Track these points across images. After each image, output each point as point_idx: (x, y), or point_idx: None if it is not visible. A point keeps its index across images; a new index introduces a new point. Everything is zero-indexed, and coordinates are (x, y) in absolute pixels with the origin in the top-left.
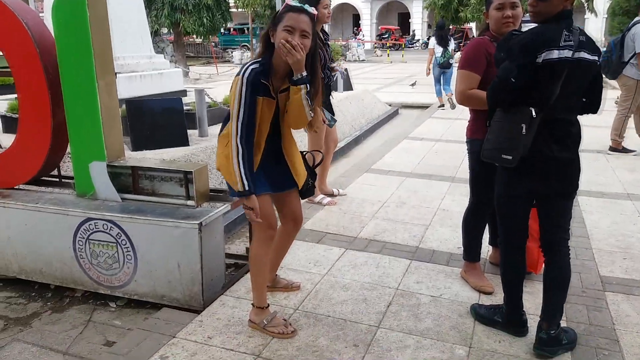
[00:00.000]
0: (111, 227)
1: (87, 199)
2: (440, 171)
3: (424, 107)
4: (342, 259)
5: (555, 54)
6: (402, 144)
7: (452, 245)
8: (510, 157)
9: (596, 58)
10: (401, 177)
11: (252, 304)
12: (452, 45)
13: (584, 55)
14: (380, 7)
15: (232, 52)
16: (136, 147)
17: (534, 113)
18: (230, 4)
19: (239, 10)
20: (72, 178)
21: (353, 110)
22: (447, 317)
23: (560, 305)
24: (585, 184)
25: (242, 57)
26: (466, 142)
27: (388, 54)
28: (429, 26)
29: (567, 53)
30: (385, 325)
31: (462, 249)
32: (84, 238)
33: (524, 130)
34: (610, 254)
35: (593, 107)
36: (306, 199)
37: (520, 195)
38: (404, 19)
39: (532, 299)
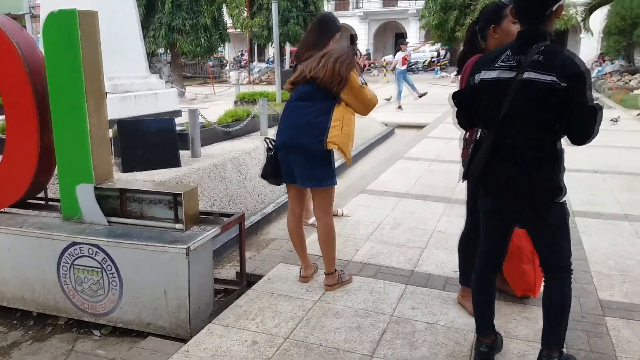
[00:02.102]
0: (96, 252)
1: (73, 222)
2: (436, 192)
3: (419, 126)
4: None
5: (484, 74)
6: (398, 164)
7: (448, 269)
8: (463, 171)
9: (551, 78)
10: (396, 198)
11: (330, 272)
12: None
13: (531, 75)
14: (377, 27)
15: (229, 72)
16: (126, 168)
17: (479, 134)
18: (228, 25)
19: (237, 30)
20: (59, 201)
21: None
22: (443, 345)
23: (559, 331)
24: (581, 204)
25: (238, 77)
26: (462, 163)
27: (385, 74)
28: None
29: (504, 74)
30: (379, 354)
31: (459, 272)
32: (68, 263)
33: (472, 149)
34: (609, 277)
35: (571, 135)
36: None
37: (487, 211)
38: (401, 39)
39: (531, 324)
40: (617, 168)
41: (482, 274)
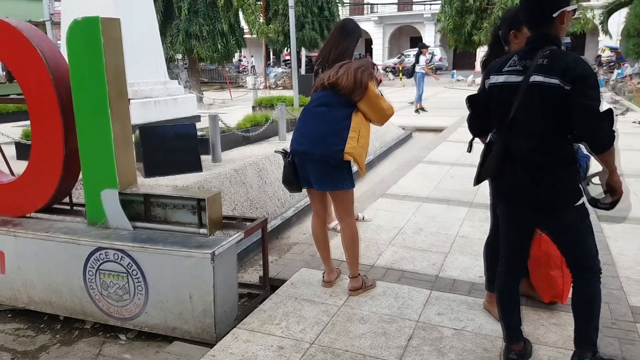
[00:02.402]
0: (122, 256)
1: (99, 227)
2: (458, 196)
3: (438, 130)
4: None
5: (493, 79)
6: (417, 168)
7: (473, 275)
8: (475, 175)
9: (555, 81)
10: (417, 202)
11: (354, 275)
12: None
13: (537, 78)
14: (392, 32)
15: (245, 78)
16: (148, 173)
17: (489, 137)
18: (245, 30)
19: (253, 36)
20: (83, 206)
21: None
22: (471, 352)
23: (589, 333)
24: None
25: (255, 83)
26: None
27: (400, 78)
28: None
29: (511, 78)
30: None
31: (484, 278)
32: (94, 268)
33: (483, 153)
34: (639, 282)
35: (585, 140)
36: None
37: (503, 216)
38: (416, 43)
39: (560, 331)
40: None
41: (505, 280)
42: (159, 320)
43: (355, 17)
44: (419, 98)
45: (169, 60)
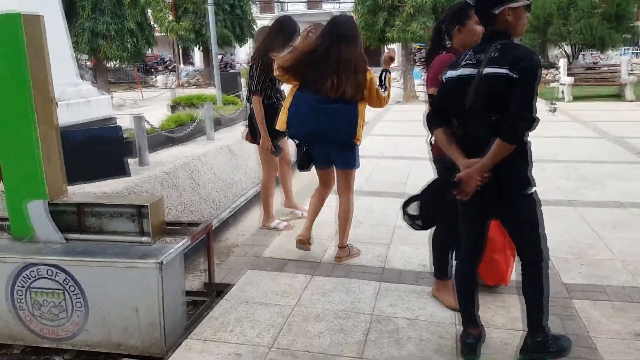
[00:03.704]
0: (57, 272)
1: (26, 242)
2: (389, 188)
3: None
4: (309, 286)
5: (449, 73)
6: None
7: (416, 264)
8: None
9: (505, 71)
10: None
11: (342, 246)
12: None
13: (488, 70)
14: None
15: (155, 77)
16: (71, 180)
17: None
18: (155, 28)
19: (163, 34)
20: (6, 219)
21: None
22: (428, 341)
23: (539, 319)
24: None
25: (166, 82)
26: (435, 160)
27: None
28: None
29: (466, 71)
30: (368, 355)
31: (433, 266)
32: (23, 287)
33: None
34: (566, 260)
35: (506, 124)
36: (261, 227)
37: (465, 205)
38: None
39: (506, 313)
40: (554, 157)
41: (463, 266)
42: (101, 337)
43: (266, 15)
44: None
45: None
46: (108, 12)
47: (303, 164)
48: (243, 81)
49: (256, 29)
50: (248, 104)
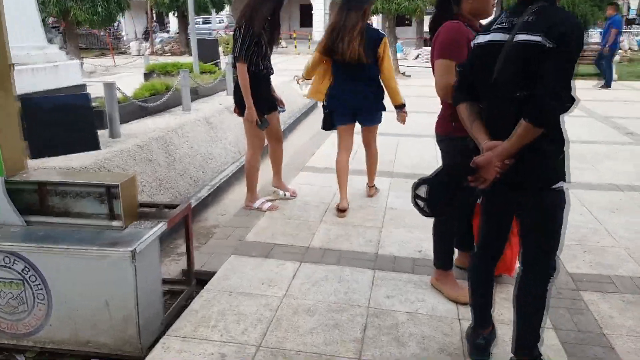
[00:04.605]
0: (15, 260)
1: None
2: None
3: None
4: (298, 275)
5: (480, 38)
6: (331, 139)
7: (412, 249)
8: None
9: (538, 38)
10: None
11: (372, 185)
12: None
13: (521, 37)
14: None
15: (128, 43)
16: (35, 153)
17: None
18: None
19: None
20: None
21: None
22: (431, 338)
23: (525, 333)
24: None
25: (139, 48)
26: (439, 139)
27: (295, 45)
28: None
29: (497, 36)
30: (367, 355)
31: (434, 255)
32: None
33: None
34: (569, 247)
35: (535, 104)
36: (244, 207)
37: (487, 194)
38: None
39: (510, 305)
40: None
41: (481, 263)
42: (67, 334)
43: None
44: None
45: (42, 23)
46: None
47: (326, 126)
48: (220, 49)
49: None
50: (234, 71)
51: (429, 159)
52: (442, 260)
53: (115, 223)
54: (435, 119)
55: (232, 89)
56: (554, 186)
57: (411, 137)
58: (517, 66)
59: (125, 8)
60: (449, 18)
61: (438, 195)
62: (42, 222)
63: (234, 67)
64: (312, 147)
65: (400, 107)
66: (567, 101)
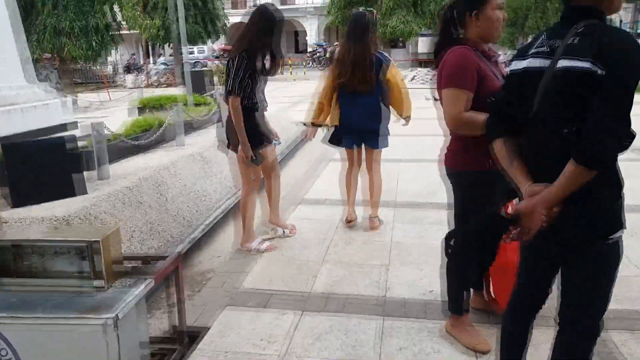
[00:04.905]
0: None
1: None
2: None
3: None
4: (300, 327)
5: (515, 64)
6: (330, 167)
7: (422, 289)
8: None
9: (586, 65)
10: (339, 206)
11: (376, 215)
12: None
13: (564, 63)
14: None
15: (124, 76)
16: (18, 202)
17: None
18: (123, 26)
19: (130, 32)
20: None
21: None
22: None
23: None
24: None
25: (135, 81)
26: (449, 174)
27: (291, 72)
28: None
29: (535, 62)
30: None
31: (448, 299)
32: None
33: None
34: None
35: (583, 140)
36: (239, 248)
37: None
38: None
39: (534, 350)
40: None
41: (518, 315)
42: None
43: (236, 11)
44: None
45: (36, 60)
46: (71, 9)
47: (333, 142)
48: (216, 79)
49: (228, 24)
50: (225, 105)
51: (432, 184)
52: (455, 305)
53: (96, 283)
54: (436, 142)
55: (225, 123)
56: (606, 238)
57: (412, 162)
58: (561, 97)
59: (119, 42)
60: (454, 43)
61: (472, 247)
62: (17, 284)
63: (226, 100)
64: (310, 177)
65: (406, 119)
66: (625, 138)
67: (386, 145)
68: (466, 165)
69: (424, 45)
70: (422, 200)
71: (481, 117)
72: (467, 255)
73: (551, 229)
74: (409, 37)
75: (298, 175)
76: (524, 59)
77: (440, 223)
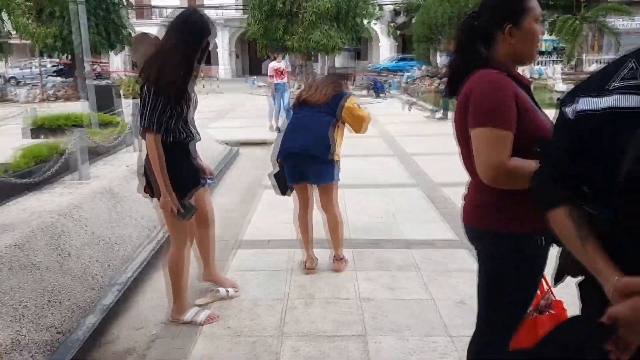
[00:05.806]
0: None
1: None
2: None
3: (262, 143)
4: None
5: (586, 103)
6: (265, 197)
7: None
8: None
9: None
10: (287, 249)
11: (339, 258)
12: None
13: None
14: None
15: (15, 91)
16: None
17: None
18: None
19: (22, 42)
20: None
21: None
22: None
23: None
24: None
25: (28, 96)
26: (475, 236)
27: (203, 85)
28: (237, 56)
29: (625, 100)
30: None
31: None
32: None
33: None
34: None
35: None
36: (170, 319)
37: None
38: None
39: None
40: None
41: None
42: None
43: (141, 21)
44: (275, 113)
45: None
46: None
47: (282, 189)
48: (121, 91)
49: (133, 35)
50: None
51: (381, 214)
52: None
53: None
54: (371, 163)
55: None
56: None
57: (352, 188)
58: None
59: (8, 52)
60: (478, 65)
61: None
62: None
63: (143, 136)
64: (244, 210)
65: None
66: None
67: (334, 179)
68: (508, 224)
69: (340, 60)
70: (380, 237)
71: (531, 165)
72: None
73: None
74: (332, 52)
75: (229, 207)
76: (604, 96)
77: (408, 268)
